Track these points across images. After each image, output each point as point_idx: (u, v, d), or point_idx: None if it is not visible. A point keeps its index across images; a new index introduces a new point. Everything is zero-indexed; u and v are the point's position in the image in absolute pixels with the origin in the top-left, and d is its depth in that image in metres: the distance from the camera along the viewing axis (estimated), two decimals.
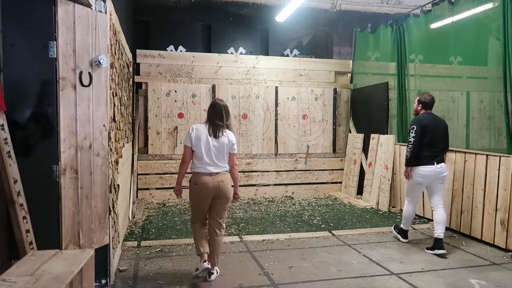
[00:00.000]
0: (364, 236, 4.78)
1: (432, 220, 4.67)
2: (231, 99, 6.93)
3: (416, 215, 5.56)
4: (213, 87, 6.84)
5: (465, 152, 4.82)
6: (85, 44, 2.90)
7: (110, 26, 3.29)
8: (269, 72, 7.20)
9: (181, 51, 7.65)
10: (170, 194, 6.59)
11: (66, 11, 2.79)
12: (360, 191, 6.87)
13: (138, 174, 6.51)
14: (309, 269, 3.73)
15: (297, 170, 7.27)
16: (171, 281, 3.42)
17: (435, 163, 4.18)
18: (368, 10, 7.58)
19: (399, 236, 4.62)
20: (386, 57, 6.66)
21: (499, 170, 4.29)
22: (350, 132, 7.47)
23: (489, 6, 4.73)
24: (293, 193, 7.22)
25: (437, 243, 4.13)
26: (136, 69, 6.61)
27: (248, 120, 7.05)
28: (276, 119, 7.16)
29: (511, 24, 4.24)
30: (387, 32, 6.54)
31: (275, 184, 7.16)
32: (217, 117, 3.40)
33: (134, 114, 6.30)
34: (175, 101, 6.71)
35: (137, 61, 6.61)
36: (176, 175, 3.63)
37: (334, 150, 7.46)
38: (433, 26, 5.68)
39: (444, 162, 4.29)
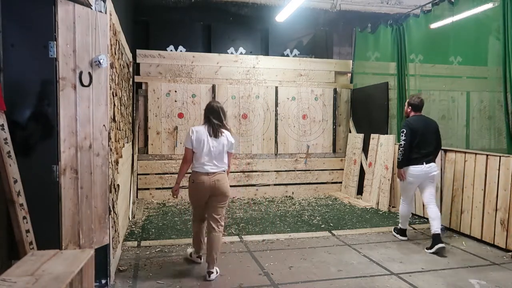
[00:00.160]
0: (364, 236, 4.78)
1: None
2: (231, 99, 6.93)
3: (416, 215, 5.58)
4: (213, 87, 6.84)
5: (465, 152, 4.83)
6: (85, 44, 2.90)
7: (110, 26, 3.29)
8: (269, 72, 7.20)
9: (181, 51, 7.65)
10: (170, 194, 6.57)
11: (66, 11, 2.79)
12: (360, 191, 6.87)
13: (138, 174, 6.51)
14: (309, 269, 3.73)
15: (297, 170, 7.26)
16: (171, 281, 3.42)
17: (424, 163, 4.34)
18: (368, 10, 7.57)
19: (397, 235, 4.70)
20: (386, 57, 6.66)
21: (499, 170, 4.29)
22: (350, 132, 7.47)
23: (489, 6, 4.73)
24: (293, 193, 7.22)
25: (436, 238, 4.17)
26: (136, 69, 6.61)
27: (248, 120, 7.04)
28: (276, 119, 7.16)
29: (511, 24, 4.24)
30: (387, 32, 6.54)
31: (275, 184, 7.16)
32: (215, 117, 3.53)
33: (134, 114, 6.29)
34: (175, 101, 6.71)
35: (137, 61, 6.61)
36: (176, 175, 3.71)
37: (334, 150, 7.46)
38: (433, 26, 5.68)
39: (434, 162, 4.41)
